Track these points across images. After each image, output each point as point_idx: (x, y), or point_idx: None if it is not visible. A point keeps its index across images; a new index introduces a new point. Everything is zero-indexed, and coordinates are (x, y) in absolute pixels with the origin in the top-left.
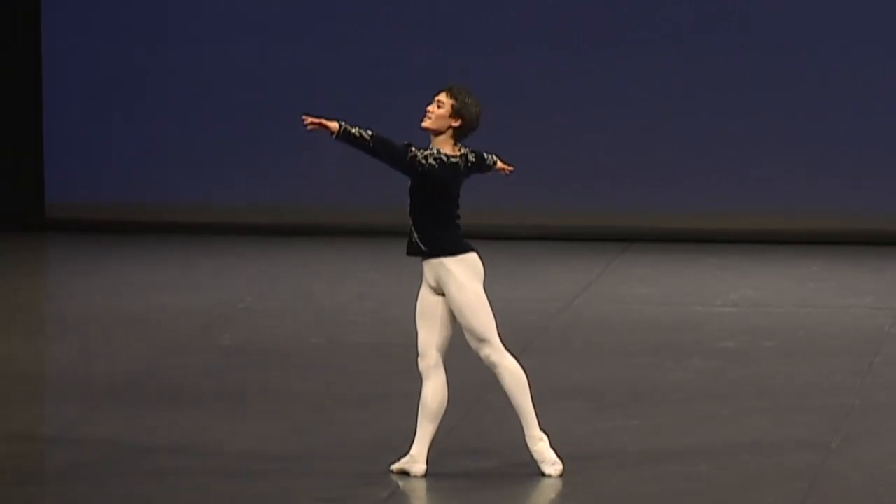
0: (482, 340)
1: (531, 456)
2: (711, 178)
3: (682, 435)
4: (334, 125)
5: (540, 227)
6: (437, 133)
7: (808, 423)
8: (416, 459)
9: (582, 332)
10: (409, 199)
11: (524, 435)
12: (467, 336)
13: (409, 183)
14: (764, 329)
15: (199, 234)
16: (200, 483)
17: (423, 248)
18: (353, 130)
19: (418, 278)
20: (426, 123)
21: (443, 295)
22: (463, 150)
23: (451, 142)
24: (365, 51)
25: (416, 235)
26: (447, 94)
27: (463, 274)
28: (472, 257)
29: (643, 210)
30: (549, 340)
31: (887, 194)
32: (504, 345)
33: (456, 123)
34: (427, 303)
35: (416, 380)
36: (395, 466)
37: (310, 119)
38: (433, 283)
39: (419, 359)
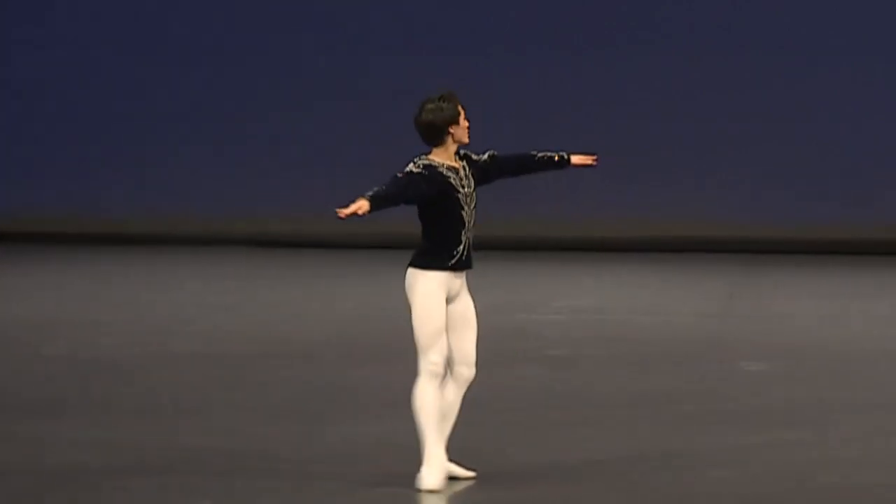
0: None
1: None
2: (530, 186)
3: (522, 439)
4: (364, 204)
5: (379, 236)
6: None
7: (638, 432)
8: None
9: (412, 341)
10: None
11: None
12: (470, 347)
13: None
14: (591, 337)
15: (28, 243)
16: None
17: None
18: (377, 193)
19: (242, 289)
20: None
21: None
22: (456, 160)
23: (447, 150)
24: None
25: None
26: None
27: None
28: None
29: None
30: (383, 350)
31: (706, 201)
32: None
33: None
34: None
35: (240, 389)
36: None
37: (344, 212)
38: (451, 293)
39: (439, 364)
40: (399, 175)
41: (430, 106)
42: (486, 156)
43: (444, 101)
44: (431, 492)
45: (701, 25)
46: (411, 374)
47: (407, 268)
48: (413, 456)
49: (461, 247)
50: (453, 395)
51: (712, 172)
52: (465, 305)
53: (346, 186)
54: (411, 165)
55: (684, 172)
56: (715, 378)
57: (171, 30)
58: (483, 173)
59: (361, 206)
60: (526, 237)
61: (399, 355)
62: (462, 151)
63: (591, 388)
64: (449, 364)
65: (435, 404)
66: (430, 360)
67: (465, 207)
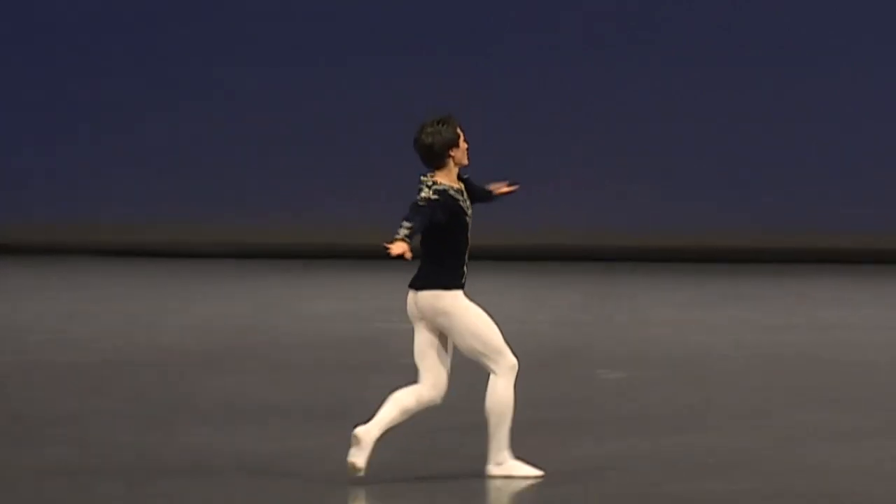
0: None
1: None
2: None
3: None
4: (403, 246)
5: (224, 245)
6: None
7: (518, 442)
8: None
9: (265, 350)
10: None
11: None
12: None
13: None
14: None
15: None
16: None
17: None
18: (408, 230)
19: (108, 298)
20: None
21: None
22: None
23: (450, 172)
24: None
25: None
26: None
27: None
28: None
29: (330, 225)
30: (234, 359)
31: (562, 210)
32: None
33: None
34: None
35: (91, 397)
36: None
37: (395, 252)
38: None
39: (515, 360)
40: (421, 204)
41: (429, 129)
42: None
43: (442, 125)
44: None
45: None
46: (266, 383)
47: (419, 291)
48: (264, 463)
49: (465, 267)
50: (409, 404)
51: (566, 180)
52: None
53: (201, 192)
54: (427, 192)
55: (540, 181)
56: (572, 386)
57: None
58: (475, 199)
59: (403, 249)
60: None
61: (252, 363)
62: (463, 175)
63: (446, 397)
64: (420, 379)
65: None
66: (510, 360)
67: (469, 229)
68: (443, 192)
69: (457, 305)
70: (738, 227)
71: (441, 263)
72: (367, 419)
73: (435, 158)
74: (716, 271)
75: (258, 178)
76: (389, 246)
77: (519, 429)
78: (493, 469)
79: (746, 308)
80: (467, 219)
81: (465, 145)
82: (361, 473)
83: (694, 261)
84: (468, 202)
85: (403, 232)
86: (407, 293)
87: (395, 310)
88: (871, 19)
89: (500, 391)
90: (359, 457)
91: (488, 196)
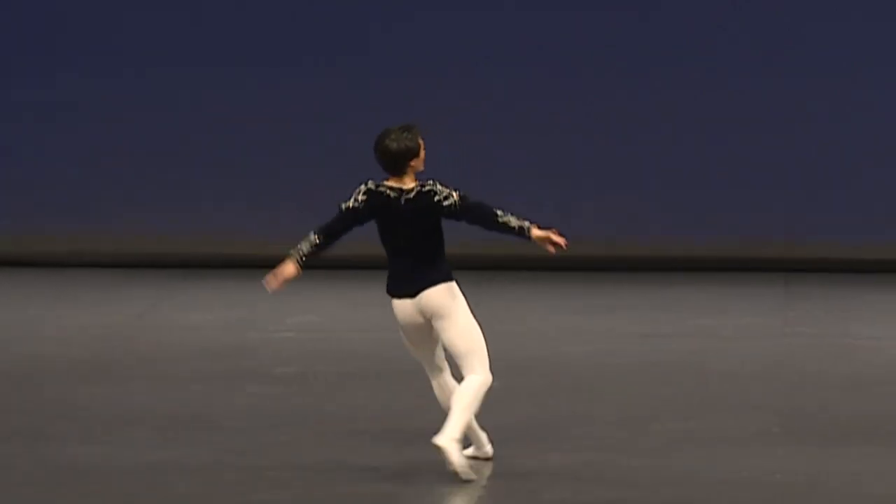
0: None
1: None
2: (253, 204)
3: (241, 461)
4: (291, 268)
5: (93, 255)
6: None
7: (369, 449)
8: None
9: (142, 359)
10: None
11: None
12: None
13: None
14: (320, 354)
15: None
16: None
17: None
18: (305, 250)
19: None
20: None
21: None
22: (411, 185)
23: (409, 178)
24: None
25: None
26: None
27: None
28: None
29: (202, 235)
30: (110, 368)
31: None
32: None
33: None
34: None
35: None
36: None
37: (272, 285)
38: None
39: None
40: (337, 213)
41: (393, 136)
42: (453, 196)
43: (406, 133)
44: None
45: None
46: (143, 392)
47: (431, 287)
48: (143, 476)
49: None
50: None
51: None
52: None
53: (76, 202)
54: (356, 194)
55: None
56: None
57: None
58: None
59: (290, 271)
60: (258, 255)
61: (125, 373)
62: (429, 184)
63: (322, 407)
64: (435, 366)
65: None
66: (488, 366)
67: (397, 229)
68: (369, 193)
69: (460, 299)
70: (615, 235)
71: (442, 256)
72: (243, 428)
73: (396, 166)
74: (594, 280)
75: (136, 187)
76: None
77: (403, 439)
78: (439, 439)
79: (624, 317)
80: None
81: (424, 154)
82: (472, 476)
83: (572, 269)
84: (413, 203)
85: (299, 257)
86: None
87: (270, 319)
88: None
89: (477, 385)
90: (461, 465)
91: (493, 225)
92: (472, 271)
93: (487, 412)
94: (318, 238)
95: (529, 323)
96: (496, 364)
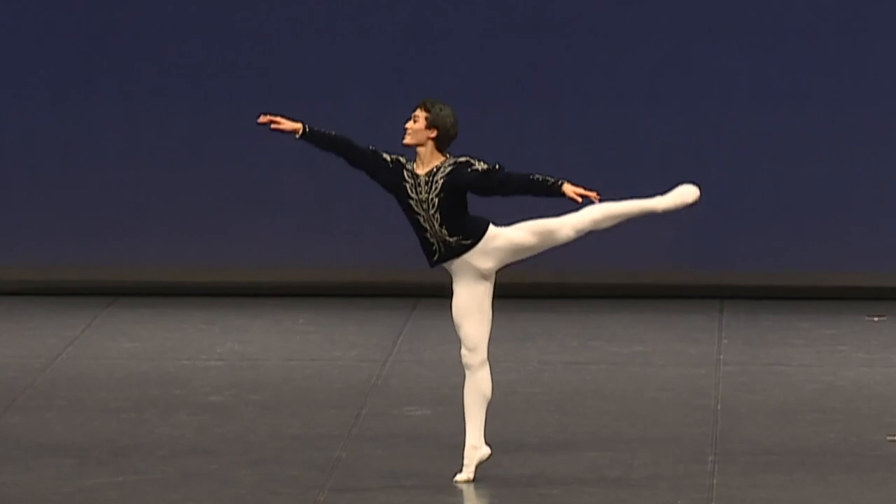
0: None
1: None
2: (199, 232)
3: (168, 491)
4: (296, 124)
5: (23, 283)
6: (419, 146)
7: (295, 477)
8: (478, 446)
9: (66, 388)
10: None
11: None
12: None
13: None
14: (250, 382)
15: None
16: None
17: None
18: (322, 131)
19: None
20: (406, 140)
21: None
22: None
23: (435, 153)
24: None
25: None
26: (421, 108)
27: None
28: None
29: (128, 264)
30: (34, 397)
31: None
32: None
33: (432, 134)
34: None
35: None
36: (465, 473)
37: (266, 118)
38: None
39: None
40: (370, 147)
41: (451, 112)
42: (492, 165)
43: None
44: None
45: None
46: (68, 421)
47: None
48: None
49: (434, 247)
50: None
51: (374, 218)
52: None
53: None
54: (388, 154)
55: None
56: (379, 423)
57: None
58: (467, 183)
59: (294, 126)
60: (187, 282)
61: (47, 402)
62: (462, 157)
63: (251, 435)
64: None
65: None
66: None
67: (421, 213)
68: (397, 162)
69: None
70: (546, 261)
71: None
72: (172, 455)
73: (449, 141)
74: (516, 307)
75: (57, 214)
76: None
77: (332, 467)
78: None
79: (544, 344)
80: (410, 202)
81: (434, 131)
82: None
83: (502, 297)
84: (427, 187)
85: (316, 128)
86: None
87: (201, 348)
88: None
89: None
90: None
91: (526, 185)
92: (403, 298)
93: (419, 443)
94: (338, 141)
95: (455, 351)
96: (426, 394)
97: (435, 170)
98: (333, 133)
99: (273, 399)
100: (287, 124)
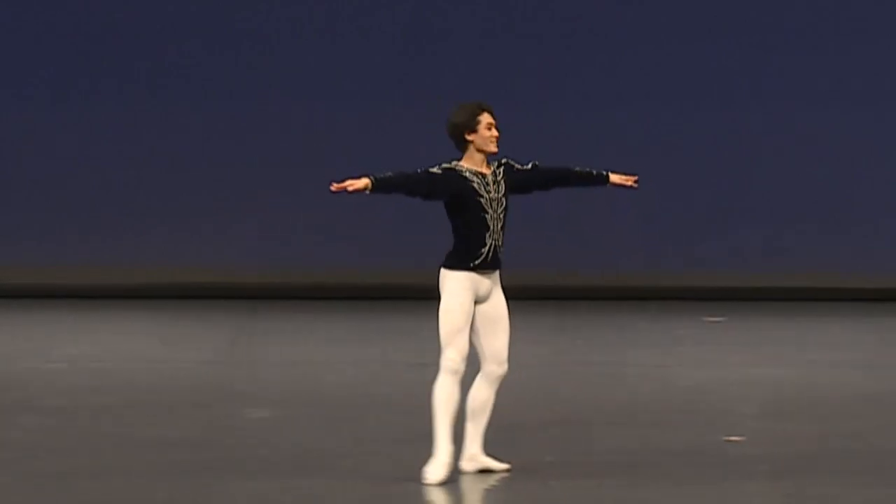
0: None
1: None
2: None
3: (12, 494)
4: (365, 181)
5: None
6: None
7: (141, 480)
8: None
9: None
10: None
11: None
12: (500, 346)
13: None
14: (91, 385)
15: None
16: None
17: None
18: (386, 177)
19: None
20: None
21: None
22: (490, 166)
23: (471, 156)
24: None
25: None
26: (492, 114)
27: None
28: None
29: None
30: None
31: (215, 248)
32: None
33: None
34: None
35: None
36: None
37: (338, 186)
38: (480, 294)
39: (456, 361)
40: (418, 171)
41: (451, 112)
42: (528, 165)
43: (460, 108)
44: (436, 484)
45: None
46: None
47: (439, 267)
48: None
49: (485, 249)
50: (486, 392)
51: (212, 219)
52: (495, 305)
53: None
54: (435, 167)
55: (182, 219)
56: (220, 425)
57: None
58: (521, 182)
59: (364, 182)
60: (38, 284)
61: None
62: (504, 159)
63: (89, 438)
64: (480, 362)
65: (451, 399)
66: (447, 357)
67: (489, 212)
68: (449, 170)
69: (444, 287)
70: (380, 264)
71: (457, 243)
72: (14, 459)
73: (454, 140)
74: (363, 308)
75: None
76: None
77: (166, 469)
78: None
79: (392, 344)
80: (481, 200)
81: (489, 133)
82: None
83: (338, 298)
84: (496, 185)
85: (378, 175)
86: None
87: (39, 351)
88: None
89: (434, 386)
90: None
91: (571, 178)
92: (244, 300)
93: (253, 442)
94: (392, 175)
95: (299, 352)
96: (268, 394)
97: (495, 170)
98: (391, 175)
99: (115, 402)
100: (357, 184)
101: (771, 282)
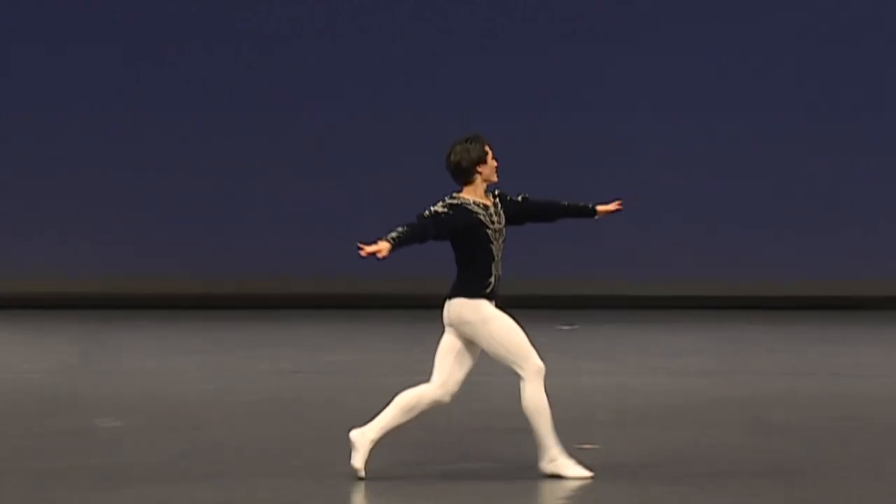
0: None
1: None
2: None
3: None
4: (386, 245)
5: None
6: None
7: (12, 490)
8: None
9: None
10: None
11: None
12: (460, 378)
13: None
14: None
15: None
16: None
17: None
18: (399, 235)
19: None
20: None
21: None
22: (489, 197)
23: (476, 189)
24: None
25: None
26: (488, 145)
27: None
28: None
29: None
30: None
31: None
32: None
33: None
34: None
35: None
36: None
37: (367, 250)
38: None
39: (540, 363)
40: (425, 215)
41: (458, 148)
42: (519, 197)
43: (470, 143)
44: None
45: None
46: None
47: (447, 300)
48: None
49: (492, 279)
50: (410, 402)
51: (132, 227)
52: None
53: None
54: (438, 205)
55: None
56: (71, 436)
57: None
58: (515, 213)
59: (381, 248)
60: None
61: None
62: (497, 190)
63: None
64: (432, 380)
65: (546, 403)
66: (535, 363)
67: (494, 242)
68: (455, 206)
69: (481, 314)
70: (242, 274)
71: (466, 273)
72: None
73: (462, 175)
74: (222, 318)
75: None
76: (366, 246)
77: (32, 480)
78: (544, 466)
79: (254, 353)
80: (489, 231)
81: (495, 163)
82: (362, 475)
83: (198, 308)
84: (498, 216)
85: (392, 235)
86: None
87: None
88: None
89: (529, 394)
90: (357, 459)
91: (559, 211)
92: (96, 310)
93: (104, 452)
94: (405, 229)
95: (150, 362)
96: (112, 404)
97: (494, 201)
98: (405, 229)
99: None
100: (382, 250)
101: (621, 290)
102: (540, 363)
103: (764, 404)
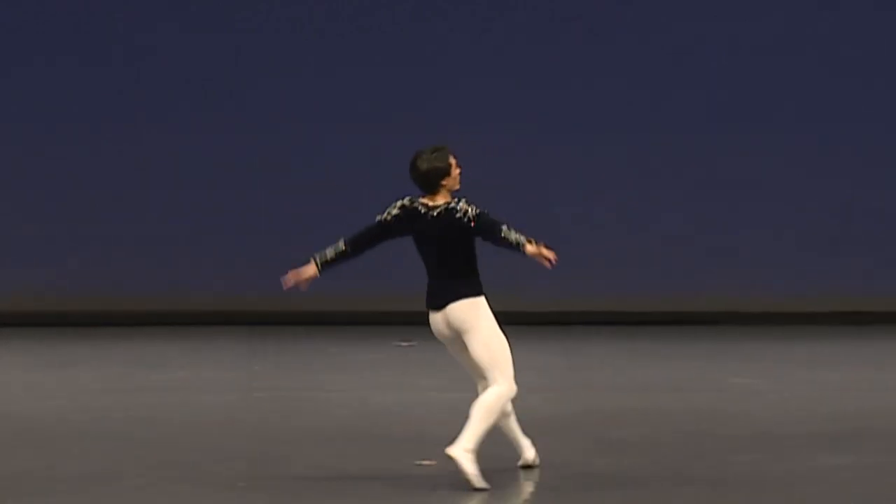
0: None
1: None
2: None
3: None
4: (312, 269)
5: None
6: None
7: None
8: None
9: None
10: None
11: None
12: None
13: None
14: None
15: None
16: None
17: None
18: (329, 255)
19: None
20: None
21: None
22: (445, 202)
23: (443, 195)
24: None
25: None
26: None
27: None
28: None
29: None
30: None
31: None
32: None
33: None
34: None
35: None
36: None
37: (290, 282)
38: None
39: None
40: (379, 220)
41: (424, 157)
42: (472, 222)
43: (435, 154)
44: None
45: None
46: None
47: (456, 301)
48: None
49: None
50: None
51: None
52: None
53: None
54: (391, 208)
55: None
56: None
57: None
58: (468, 227)
59: (312, 271)
60: None
61: None
62: (461, 201)
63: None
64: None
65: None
66: (512, 384)
67: (427, 246)
68: (403, 208)
69: (482, 311)
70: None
71: (474, 269)
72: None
73: (428, 185)
74: (62, 335)
75: None
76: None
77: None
78: (451, 449)
79: (97, 371)
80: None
81: (457, 171)
82: (483, 485)
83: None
84: (448, 221)
85: (317, 258)
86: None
87: None
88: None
89: (491, 395)
90: (470, 472)
91: (498, 242)
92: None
93: None
94: (346, 246)
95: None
96: None
97: (446, 207)
98: (342, 248)
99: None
100: (305, 274)
101: None
102: (515, 387)
103: (599, 421)
